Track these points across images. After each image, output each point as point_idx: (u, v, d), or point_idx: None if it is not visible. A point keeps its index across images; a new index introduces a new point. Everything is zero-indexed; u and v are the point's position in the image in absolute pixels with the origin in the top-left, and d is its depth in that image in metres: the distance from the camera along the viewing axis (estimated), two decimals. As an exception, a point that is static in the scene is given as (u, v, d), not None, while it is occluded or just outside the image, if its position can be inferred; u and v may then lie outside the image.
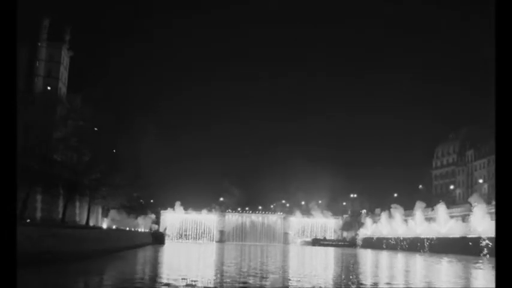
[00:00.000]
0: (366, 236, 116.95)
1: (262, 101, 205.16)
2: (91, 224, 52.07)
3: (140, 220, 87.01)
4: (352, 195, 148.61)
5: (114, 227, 55.14)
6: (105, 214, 57.12)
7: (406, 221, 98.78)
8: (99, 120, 70.78)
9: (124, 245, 48.84)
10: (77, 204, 48.92)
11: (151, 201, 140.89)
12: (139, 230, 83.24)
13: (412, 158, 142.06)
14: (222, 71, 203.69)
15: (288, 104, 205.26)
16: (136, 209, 63.20)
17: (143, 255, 46.95)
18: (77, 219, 48.93)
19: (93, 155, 45.93)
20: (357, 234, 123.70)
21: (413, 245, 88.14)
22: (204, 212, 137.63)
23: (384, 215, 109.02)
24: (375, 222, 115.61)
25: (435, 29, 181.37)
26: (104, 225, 51.93)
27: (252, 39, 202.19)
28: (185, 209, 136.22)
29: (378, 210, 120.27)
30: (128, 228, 64.70)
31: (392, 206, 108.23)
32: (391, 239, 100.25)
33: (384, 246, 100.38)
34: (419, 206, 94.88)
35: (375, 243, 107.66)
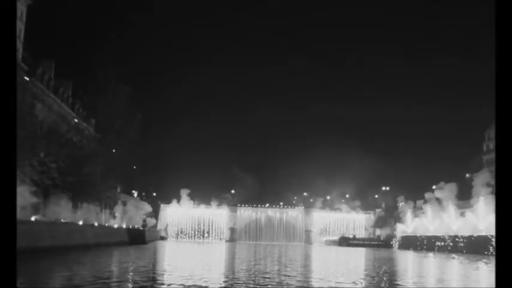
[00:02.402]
0: (406, 234, 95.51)
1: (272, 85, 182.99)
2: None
3: (119, 212, 68.25)
4: (384, 188, 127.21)
5: (33, 218, 36.21)
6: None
7: (462, 213, 76.88)
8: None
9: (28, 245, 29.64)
10: None
11: (154, 194, 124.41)
12: (114, 225, 64.47)
13: (455, 143, 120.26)
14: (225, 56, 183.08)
15: (298, 90, 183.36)
16: (80, 193, 43.97)
17: None
18: None
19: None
20: (393, 232, 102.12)
21: (475, 246, 66.57)
22: (214, 204, 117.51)
23: (429, 207, 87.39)
24: (417, 216, 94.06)
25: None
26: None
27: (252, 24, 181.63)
28: (192, 199, 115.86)
29: (419, 203, 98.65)
30: (80, 222, 45.84)
31: (436, 187, 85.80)
32: (441, 237, 78.66)
33: (434, 248, 79.01)
34: (480, 180, 71.70)
35: (418, 243, 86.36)
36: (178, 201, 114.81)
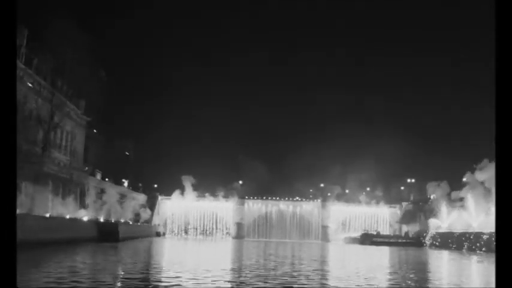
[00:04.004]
0: (441, 231, 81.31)
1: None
2: None
3: (91, 201, 55.87)
4: (409, 180, 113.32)
5: None
6: None
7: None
8: None
9: None
10: None
11: (156, 185, 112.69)
12: (84, 218, 51.84)
13: (484, 126, 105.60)
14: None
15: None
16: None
17: None
18: None
19: None
20: (425, 228, 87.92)
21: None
22: (220, 195, 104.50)
23: (469, 194, 73.07)
24: (454, 208, 79.89)
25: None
26: None
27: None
28: (195, 190, 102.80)
29: (454, 194, 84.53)
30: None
31: (478, 167, 71.58)
32: (487, 235, 64.31)
33: (476, 248, 65.00)
34: None
35: (456, 242, 72.25)
36: (182, 193, 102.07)
